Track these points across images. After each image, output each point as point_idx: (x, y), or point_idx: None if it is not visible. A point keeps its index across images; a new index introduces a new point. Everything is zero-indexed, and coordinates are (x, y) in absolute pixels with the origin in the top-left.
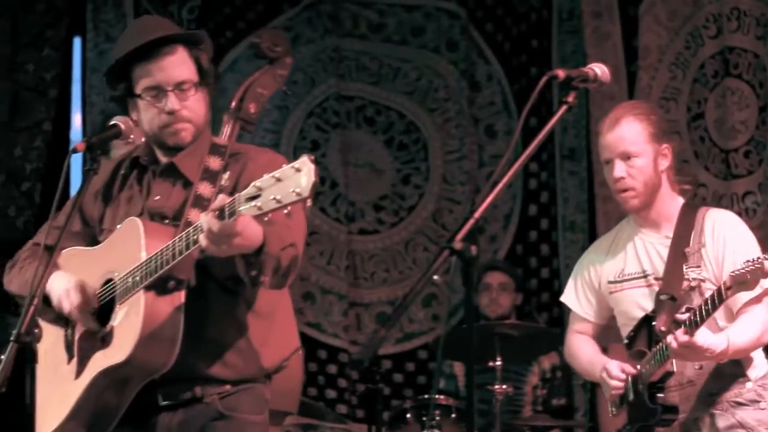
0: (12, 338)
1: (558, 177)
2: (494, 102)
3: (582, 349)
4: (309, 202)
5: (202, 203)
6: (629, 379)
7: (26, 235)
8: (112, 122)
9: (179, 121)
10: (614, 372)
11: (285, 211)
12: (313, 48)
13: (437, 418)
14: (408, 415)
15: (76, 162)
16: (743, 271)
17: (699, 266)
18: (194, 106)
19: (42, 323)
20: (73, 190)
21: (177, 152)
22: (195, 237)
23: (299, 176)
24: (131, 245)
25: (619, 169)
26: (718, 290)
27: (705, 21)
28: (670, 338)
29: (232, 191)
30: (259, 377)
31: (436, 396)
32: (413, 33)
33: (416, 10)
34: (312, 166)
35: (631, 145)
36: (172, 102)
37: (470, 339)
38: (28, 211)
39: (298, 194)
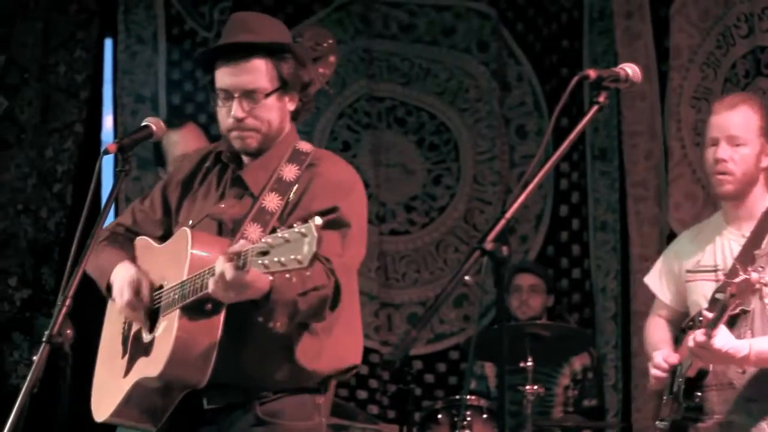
0: (44, 339)
1: (589, 177)
2: (525, 102)
3: (652, 333)
4: (308, 272)
5: (263, 217)
6: (677, 370)
7: (58, 237)
8: (144, 123)
9: (243, 128)
10: (656, 360)
11: (287, 275)
12: (344, 49)
13: (468, 418)
14: (439, 416)
15: (107, 163)
16: (739, 281)
17: (763, 268)
18: (263, 114)
19: (108, 309)
20: (105, 191)
21: (252, 153)
22: (206, 280)
23: (303, 243)
24: (179, 259)
25: (724, 151)
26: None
27: (736, 20)
28: (690, 337)
29: (294, 207)
30: (305, 387)
31: (467, 396)
32: (444, 33)
33: (447, 11)
34: (316, 235)
35: (743, 132)
36: (235, 109)
37: (501, 340)
38: (60, 213)
39: (299, 262)
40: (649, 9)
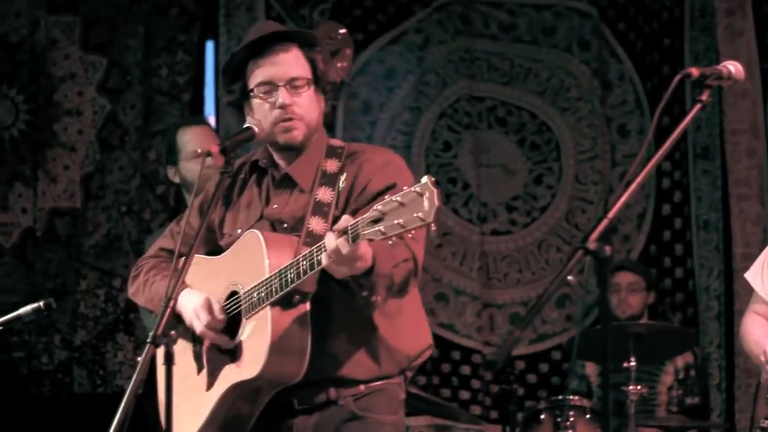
0: (148, 340)
1: (691, 176)
2: (626, 101)
3: (752, 330)
4: (433, 227)
5: (322, 209)
6: None
7: None
8: (246, 125)
9: (290, 116)
10: None
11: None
12: (444, 49)
13: (571, 418)
14: (542, 416)
15: None
16: None
17: None
18: (306, 104)
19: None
20: None
21: (293, 153)
22: (319, 257)
23: (422, 201)
24: (254, 259)
25: None
26: None
27: None
28: None
29: (349, 194)
30: (392, 374)
31: (570, 396)
32: (544, 33)
33: (547, 10)
34: (435, 190)
35: None
36: (283, 96)
37: (605, 340)
38: (163, 215)
39: (421, 219)
40: (751, 6)
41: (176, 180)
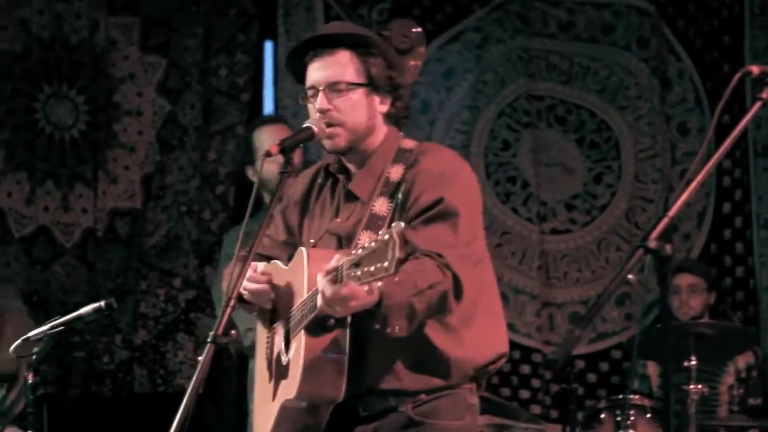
0: (209, 339)
1: (752, 174)
2: (686, 99)
3: None
4: (396, 277)
5: (376, 223)
6: None
7: (221, 239)
8: (305, 124)
9: (329, 122)
10: None
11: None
12: (503, 48)
13: (632, 418)
14: (602, 415)
15: None
16: None
17: None
18: (347, 108)
19: (257, 335)
20: None
21: (359, 157)
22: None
23: (387, 250)
24: (299, 278)
25: None
26: None
27: None
28: None
29: (402, 206)
30: (456, 384)
31: (631, 396)
32: (603, 31)
33: (606, 8)
34: (397, 240)
35: None
36: (320, 101)
37: (665, 339)
38: (223, 214)
39: (385, 269)
40: None
41: (255, 179)
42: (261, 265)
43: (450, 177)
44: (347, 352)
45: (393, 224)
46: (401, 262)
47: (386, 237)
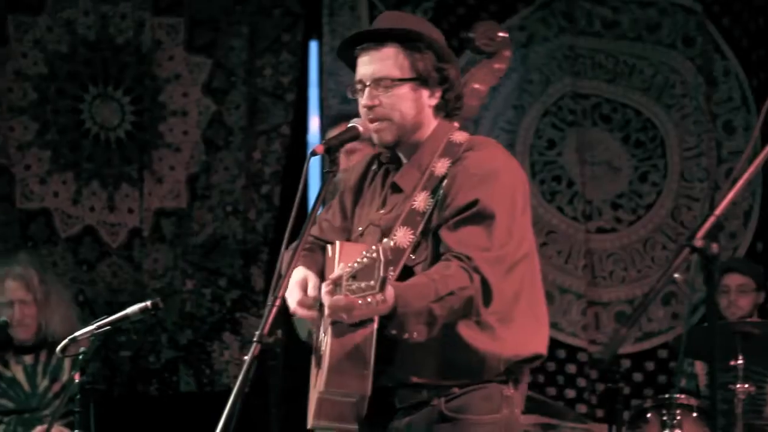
0: (255, 339)
1: None
2: (732, 97)
3: None
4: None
5: (414, 219)
6: None
7: (266, 238)
8: (350, 124)
9: (374, 117)
10: None
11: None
12: (548, 47)
13: (678, 417)
14: (648, 415)
15: (314, 165)
16: None
17: None
18: (393, 104)
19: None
20: (312, 192)
21: (410, 148)
22: None
23: (374, 268)
24: (330, 272)
25: None
26: None
27: None
28: None
29: (441, 204)
30: (489, 380)
31: (677, 395)
32: (648, 29)
33: (651, 7)
34: (383, 259)
35: None
36: (366, 97)
37: (712, 338)
38: (268, 214)
39: (371, 288)
40: None
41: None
42: (312, 284)
43: (489, 178)
44: (373, 348)
45: (384, 240)
46: (384, 283)
47: (374, 255)
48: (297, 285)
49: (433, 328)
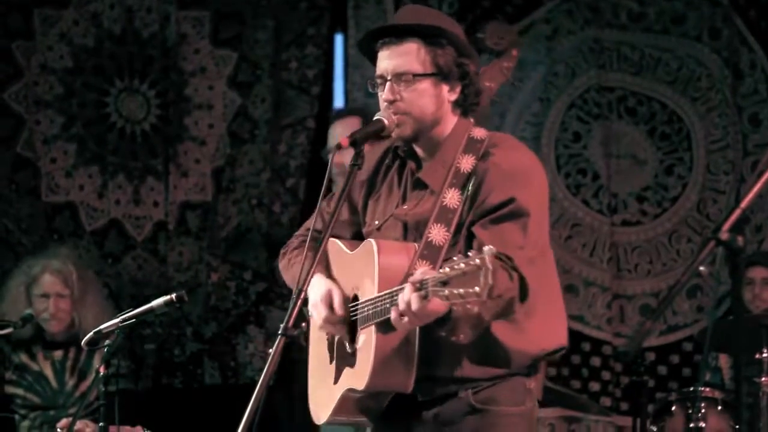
0: (279, 332)
1: None
2: (758, 90)
3: None
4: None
5: (446, 216)
6: None
7: (291, 231)
8: (376, 117)
9: (395, 111)
10: None
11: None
12: (573, 39)
13: (702, 410)
14: (673, 408)
15: None
16: None
17: None
18: (412, 99)
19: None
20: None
21: (429, 144)
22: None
23: (479, 275)
24: (369, 272)
25: None
26: None
27: None
28: None
29: (473, 201)
30: (515, 372)
31: (702, 388)
32: (674, 22)
33: None
34: (489, 267)
35: None
36: (386, 91)
37: (737, 331)
38: (293, 207)
39: (477, 294)
40: None
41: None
42: (338, 302)
43: (523, 177)
44: (417, 345)
45: (485, 248)
46: (491, 291)
47: (478, 262)
48: (322, 301)
49: (477, 330)
